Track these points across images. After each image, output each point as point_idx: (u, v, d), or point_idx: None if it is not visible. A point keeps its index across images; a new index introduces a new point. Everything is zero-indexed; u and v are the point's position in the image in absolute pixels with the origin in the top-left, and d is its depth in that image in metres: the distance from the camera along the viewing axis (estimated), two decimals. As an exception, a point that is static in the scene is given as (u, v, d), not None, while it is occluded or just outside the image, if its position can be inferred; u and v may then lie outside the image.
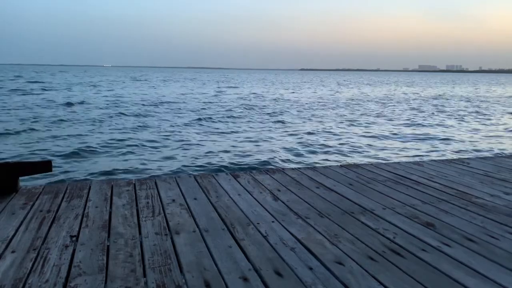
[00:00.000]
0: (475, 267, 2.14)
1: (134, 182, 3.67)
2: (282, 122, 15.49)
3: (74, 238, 2.42)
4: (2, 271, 2.00)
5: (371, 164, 4.70)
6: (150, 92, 32.51)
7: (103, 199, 3.17)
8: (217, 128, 13.53)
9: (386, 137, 12.41)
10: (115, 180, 3.76)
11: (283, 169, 4.39)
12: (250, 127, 13.92)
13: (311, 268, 2.10)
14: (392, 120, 16.93)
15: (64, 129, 12.52)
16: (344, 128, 14.24)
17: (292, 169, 4.36)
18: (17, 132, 11.57)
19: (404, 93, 37.81)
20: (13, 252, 2.22)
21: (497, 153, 10.17)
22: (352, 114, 19.00)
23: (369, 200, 3.28)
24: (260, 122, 15.33)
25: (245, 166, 8.15)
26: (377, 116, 18.13)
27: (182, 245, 2.34)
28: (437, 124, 15.73)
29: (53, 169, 3.58)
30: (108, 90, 32.95)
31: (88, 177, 7.07)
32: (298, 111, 19.96)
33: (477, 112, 21.21)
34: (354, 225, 2.73)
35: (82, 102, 21.53)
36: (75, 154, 8.92)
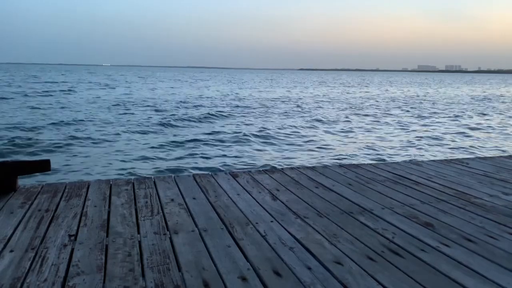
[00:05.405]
0: (474, 267, 2.14)
1: (133, 181, 3.67)
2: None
3: (72, 238, 2.41)
4: (1, 271, 1.99)
5: (370, 164, 4.70)
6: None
7: (102, 199, 3.16)
8: None
9: None
10: (114, 180, 3.75)
11: (282, 169, 4.39)
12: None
13: (310, 268, 2.09)
14: None
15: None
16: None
17: (291, 168, 4.36)
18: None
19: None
20: (11, 251, 2.21)
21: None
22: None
23: (368, 200, 3.28)
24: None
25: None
26: None
27: (181, 245, 2.33)
28: None
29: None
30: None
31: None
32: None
33: None
34: (353, 225, 2.73)
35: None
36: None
